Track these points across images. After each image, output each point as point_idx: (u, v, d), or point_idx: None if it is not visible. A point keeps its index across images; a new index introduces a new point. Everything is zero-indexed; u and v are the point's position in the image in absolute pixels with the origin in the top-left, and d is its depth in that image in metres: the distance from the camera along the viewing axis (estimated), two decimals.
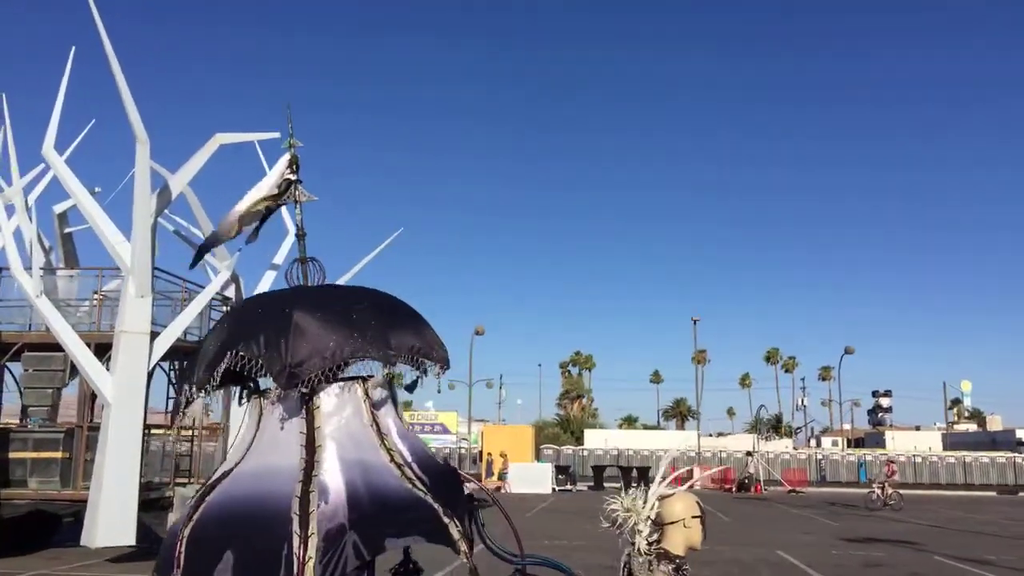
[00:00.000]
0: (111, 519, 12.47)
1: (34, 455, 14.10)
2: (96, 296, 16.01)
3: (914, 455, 53.69)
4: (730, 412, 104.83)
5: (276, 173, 3.66)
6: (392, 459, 3.25)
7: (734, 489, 41.79)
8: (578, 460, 49.17)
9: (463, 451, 44.53)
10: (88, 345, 13.81)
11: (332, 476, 3.08)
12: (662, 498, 3.50)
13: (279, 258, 18.29)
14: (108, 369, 13.45)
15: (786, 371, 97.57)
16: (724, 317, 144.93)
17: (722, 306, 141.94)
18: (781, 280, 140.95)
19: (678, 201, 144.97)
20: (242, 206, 3.71)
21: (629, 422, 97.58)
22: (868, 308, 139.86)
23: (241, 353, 3.13)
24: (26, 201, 16.14)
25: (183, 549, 3.00)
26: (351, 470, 3.12)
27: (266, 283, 18.12)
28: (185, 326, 14.52)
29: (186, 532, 3.05)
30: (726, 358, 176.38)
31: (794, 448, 60.68)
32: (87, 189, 15.06)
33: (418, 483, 3.18)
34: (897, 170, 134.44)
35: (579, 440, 64.25)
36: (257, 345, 3.14)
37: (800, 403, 77.68)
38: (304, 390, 3.20)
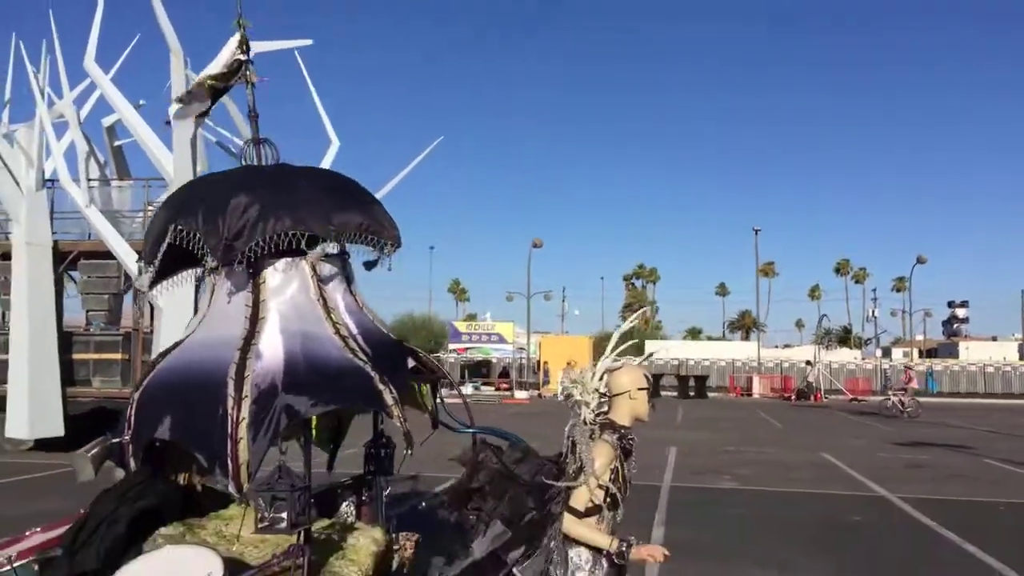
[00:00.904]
0: None
1: (96, 356, 14.90)
2: (148, 207, 16.49)
3: (986, 365, 52.39)
4: (798, 324, 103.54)
5: (226, 53, 3.64)
6: (337, 332, 3.29)
7: (793, 398, 41.69)
8: None
9: (522, 361, 45.31)
10: (138, 253, 14.28)
11: (271, 344, 3.15)
12: (610, 371, 3.50)
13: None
14: None
15: (856, 282, 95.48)
16: (794, 229, 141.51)
17: (792, 217, 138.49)
18: (851, 189, 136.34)
19: (745, 106, 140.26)
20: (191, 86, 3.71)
21: (693, 334, 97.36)
22: (943, 217, 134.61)
23: (180, 227, 3.18)
24: (78, 115, 16.52)
25: (133, 412, 3.14)
26: (291, 340, 3.18)
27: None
28: None
29: (136, 396, 3.18)
30: (796, 270, 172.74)
31: (862, 359, 59.82)
32: (133, 103, 15.36)
33: (360, 354, 3.22)
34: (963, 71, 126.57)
35: (640, 351, 64.47)
36: (196, 220, 3.18)
37: (871, 314, 76.07)
38: (242, 264, 3.24)
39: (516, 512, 3.26)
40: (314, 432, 4.21)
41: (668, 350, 57.55)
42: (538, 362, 44.51)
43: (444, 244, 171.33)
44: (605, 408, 3.45)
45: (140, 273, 3.39)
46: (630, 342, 3.89)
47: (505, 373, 41.98)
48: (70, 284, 16.67)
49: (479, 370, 43.35)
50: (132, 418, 3.15)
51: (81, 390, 14.68)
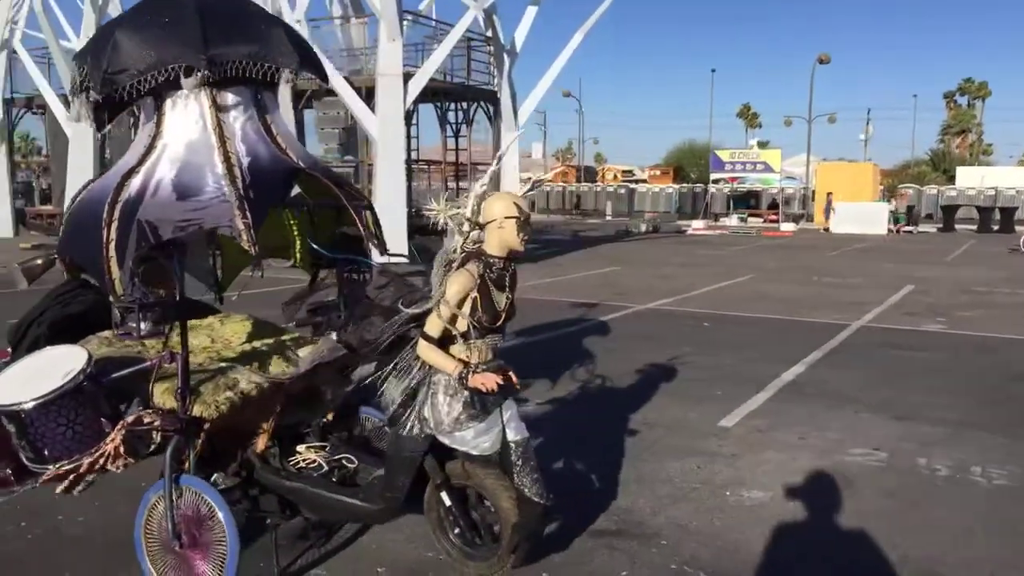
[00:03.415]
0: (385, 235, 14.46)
1: None
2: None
3: None
4: None
5: None
6: (226, 159, 3.47)
7: None
8: (936, 202, 44.05)
9: (790, 191, 42.33)
10: (359, 89, 15.38)
11: (148, 172, 3.42)
12: (482, 199, 3.33)
13: None
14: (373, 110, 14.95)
15: None
16: None
17: None
18: None
19: None
20: None
21: None
22: None
23: (79, 64, 3.50)
24: None
25: (60, 231, 3.64)
26: (169, 168, 3.43)
27: (528, 19, 18.18)
28: (436, 66, 15.36)
29: (66, 213, 3.67)
30: None
31: None
32: None
33: (238, 182, 3.39)
34: None
35: (951, 179, 57.06)
36: (86, 56, 3.48)
37: None
38: (147, 96, 3.50)
39: (364, 333, 3.34)
40: (297, 256, 4.56)
41: (983, 179, 50.34)
42: (812, 191, 41.45)
43: (728, 66, 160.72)
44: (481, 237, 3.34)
45: (71, 112, 3.79)
46: (539, 188, 3.64)
47: (774, 204, 39.70)
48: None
49: (746, 201, 41.42)
50: (60, 229, 3.65)
51: None
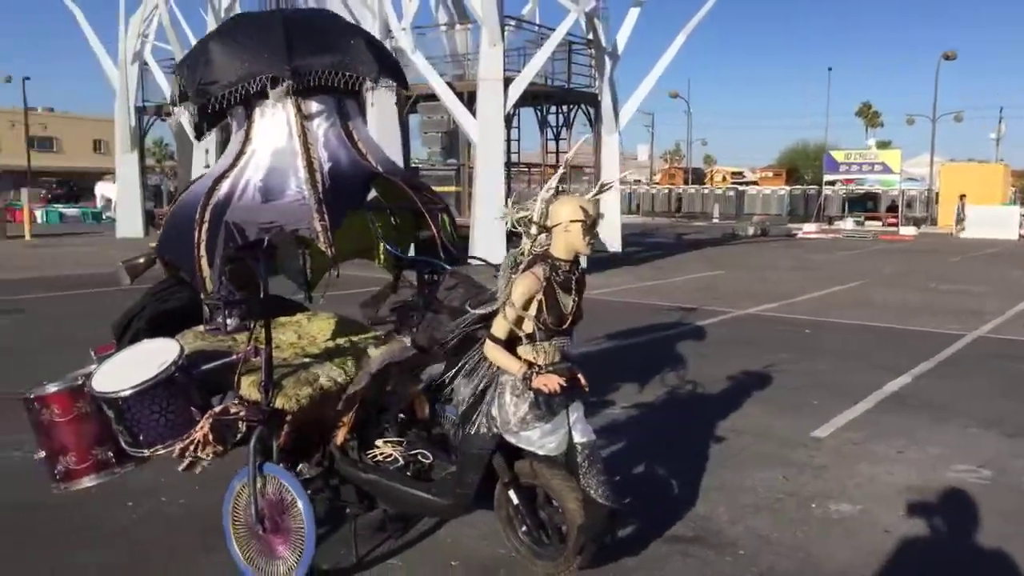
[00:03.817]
0: (482, 238, 14.69)
1: (435, 189, 16.93)
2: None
3: None
4: None
5: None
6: (308, 165, 3.65)
7: None
8: None
9: (912, 192, 40.21)
10: (462, 94, 15.66)
11: (237, 177, 3.63)
12: (549, 202, 3.36)
13: None
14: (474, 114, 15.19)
15: None
16: None
17: None
18: None
19: None
20: None
21: None
22: None
23: (177, 75, 3.75)
24: None
25: (160, 232, 3.90)
26: (255, 172, 3.63)
27: (630, 20, 18.05)
28: (536, 70, 15.45)
29: (167, 214, 3.93)
30: None
31: None
32: None
33: (318, 186, 3.56)
34: None
35: None
36: (184, 68, 3.72)
37: None
38: (239, 105, 3.72)
39: (433, 333, 3.43)
40: (380, 258, 4.72)
41: None
42: (935, 193, 39.33)
43: (846, 63, 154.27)
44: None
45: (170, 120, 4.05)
46: (607, 190, 3.64)
47: (894, 207, 37.89)
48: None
49: (863, 203, 39.65)
50: (159, 237, 3.92)
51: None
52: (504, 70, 15.20)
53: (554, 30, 16.47)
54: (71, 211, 35.07)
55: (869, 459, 5.40)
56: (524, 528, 3.59)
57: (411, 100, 16.98)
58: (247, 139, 3.75)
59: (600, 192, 3.44)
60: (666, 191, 50.90)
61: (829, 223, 37.57)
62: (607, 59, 18.24)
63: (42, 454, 3.51)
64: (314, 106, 3.79)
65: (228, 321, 3.38)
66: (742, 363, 8.09)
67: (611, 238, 18.94)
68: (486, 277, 3.77)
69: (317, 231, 3.38)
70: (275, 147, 3.70)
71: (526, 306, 3.27)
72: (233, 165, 3.68)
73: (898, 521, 4.43)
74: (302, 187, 3.54)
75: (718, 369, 7.79)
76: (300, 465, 3.93)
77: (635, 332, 9.75)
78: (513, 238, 3.49)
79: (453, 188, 16.85)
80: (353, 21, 15.60)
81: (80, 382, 3.43)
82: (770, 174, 58.63)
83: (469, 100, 15.56)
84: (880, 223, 37.10)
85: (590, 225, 3.28)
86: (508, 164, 16.13)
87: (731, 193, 47.62)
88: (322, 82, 3.67)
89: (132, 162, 23.99)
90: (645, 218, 43.89)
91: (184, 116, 3.76)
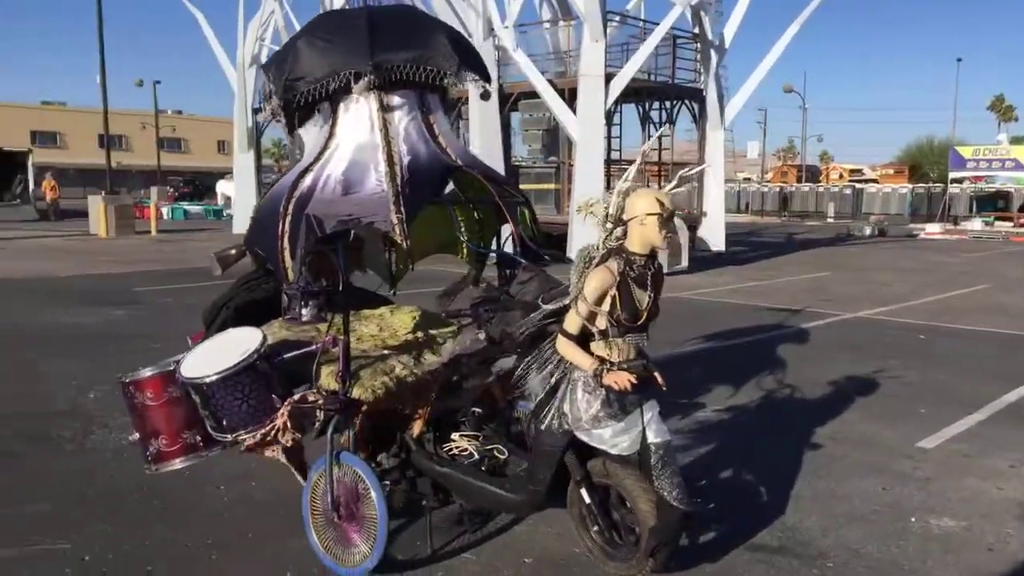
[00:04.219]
0: (580, 235, 14.58)
1: (535, 186, 16.96)
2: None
3: None
4: None
5: None
6: (389, 159, 3.70)
7: None
8: None
9: None
10: (563, 91, 15.60)
11: (319, 170, 3.71)
12: (626, 195, 3.28)
13: None
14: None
15: None
16: None
17: None
18: None
19: None
20: None
21: None
22: None
23: (265, 70, 3.87)
24: None
25: (252, 217, 4.04)
26: (337, 166, 3.70)
27: (739, 13, 17.55)
28: (638, 65, 15.22)
29: (252, 214, 4.06)
30: None
31: None
32: None
33: (397, 179, 3.60)
34: None
35: None
36: (272, 64, 3.84)
37: None
38: (324, 100, 3.82)
39: (505, 327, 3.40)
40: (464, 252, 4.75)
41: None
42: None
43: (976, 54, 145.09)
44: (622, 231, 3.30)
45: (262, 115, 4.17)
46: (688, 184, 3.52)
47: None
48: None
49: (993, 202, 37.23)
50: (248, 229, 4.06)
51: None
52: (606, 66, 15.05)
53: (658, 24, 16.17)
54: (194, 208, 36.94)
55: (978, 473, 5.05)
56: (596, 528, 3.52)
57: (512, 98, 17.06)
58: (331, 134, 3.83)
59: (679, 186, 3.33)
60: (777, 189, 49.28)
61: (955, 223, 35.45)
62: (713, 53, 17.79)
63: (136, 436, 3.69)
64: (396, 100, 3.84)
65: (304, 311, 3.45)
66: (847, 368, 7.73)
67: (714, 237, 18.48)
68: (564, 272, 3.72)
69: (393, 223, 3.42)
70: (357, 141, 3.76)
71: (599, 301, 3.21)
72: (317, 159, 3.77)
73: (1004, 539, 4.12)
74: (381, 180, 3.58)
75: (820, 373, 7.47)
76: (379, 456, 3.99)
77: (732, 333, 9.47)
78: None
79: (552, 185, 16.83)
80: (458, 20, 15.88)
81: (171, 368, 3.59)
82: (891, 171, 55.88)
83: (570, 97, 15.49)
84: (1011, 224, 34.77)
85: (667, 218, 3.18)
86: (608, 161, 15.96)
87: (847, 191, 45.63)
88: (404, 76, 3.70)
89: (248, 161, 25.08)
90: (754, 217, 42.60)
91: (271, 112, 3.86)
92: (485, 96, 4.10)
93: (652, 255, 3.27)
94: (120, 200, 25.08)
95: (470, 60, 3.88)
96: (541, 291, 3.51)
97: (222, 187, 39.03)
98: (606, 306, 3.22)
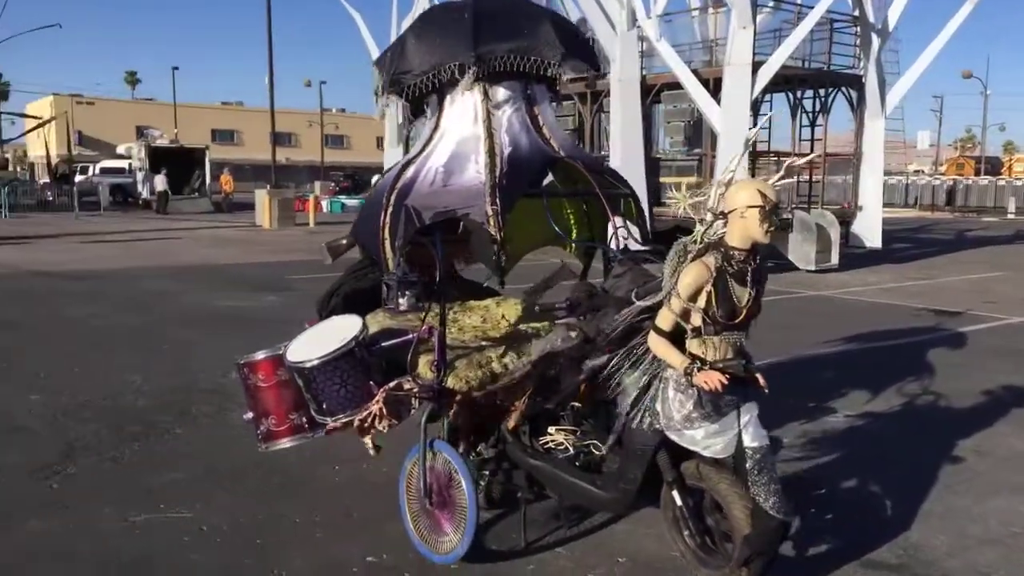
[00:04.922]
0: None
1: (675, 179, 16.56)
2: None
3: None
4: None
5: None
6: (490, 151, 3.72)
7: None
8: None
9: None
10: (707, 81, 15.12)
11: (421, 163, 3.77)
12: (726, 186, 3.13)
13: None
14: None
15: None
16: None
17: None
18: None
19: None
20: None
21: None
22: None
23: (375, 67, 3.97)
24: None
25: (361, 208, 4.17)
26: (439, 158, 3.75)
27: None
28: (789, 52, 14.51)
29: (365, 200, 4.19)
30: None
31: None
32: None
33: (496, 171, 3.62)
34: None
35: None
36: (383, 59, 3.94)
37: None
38: (431, 94, 3.89)
39: (599, 323, 3.32)
40: (572, 245, 4.72)
41: None
42: None
43: None
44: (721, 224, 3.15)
45: (378, 107, 4.29)
46: (796, 174, 3.30)
47: None
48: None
49: None
50: (356, 220, 4.19)
51: (664, 210, 16.60)
52: (755, 54, 14.44)
53: (813, 8, 15.32)
54: (351, 202, 38.67)
55: None
56: (688, 532, 3.40)
57: (655, 89, 16.72)
58: (437, 126, 3.89)
59: (785, 177, 3.14)
60: (950, 182, 45.73)
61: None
62: (874, 36, 16.67)
63: (250, 415, 3.90)
64: (501, 92, 3.85)
65: (401, 301, 3.53)
66: (1004, 377, 7.07)
67: (870, 233, 17.36)
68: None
69: (488, 214, 3.43)
70: (461, 133, 3.80)
71: (693, 297, 3.08)
72: (421, 151, 3.84)
73: None
74: (480, 171, 3.60)
75: (972, 382, 6.87)
76: (480, 446, 4.02)
77: (877, 335, 8.88)
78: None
79: (694, 178, 16.36)
80: (601, 11, 15.68)
81: (281, 351, 3.77)
82: None
83: (715, 87, 15.00)
84: None
85: (770, 211, 3.01)
86: (754, 153, 15.34)
87: None
88: (508, 67, 3.70)
89: (396, 155, 25.99)
90: (923, 212, 39.74)
91: (380, 109, 3.96)
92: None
93: (754, 250, 3.11)
94: (282, 194, 26.71)
95: (574, 49, 3.83)
96: (635, 285, 3.41)
97: (376, 181, 40.64)
98: (701, 302, 3.09)
